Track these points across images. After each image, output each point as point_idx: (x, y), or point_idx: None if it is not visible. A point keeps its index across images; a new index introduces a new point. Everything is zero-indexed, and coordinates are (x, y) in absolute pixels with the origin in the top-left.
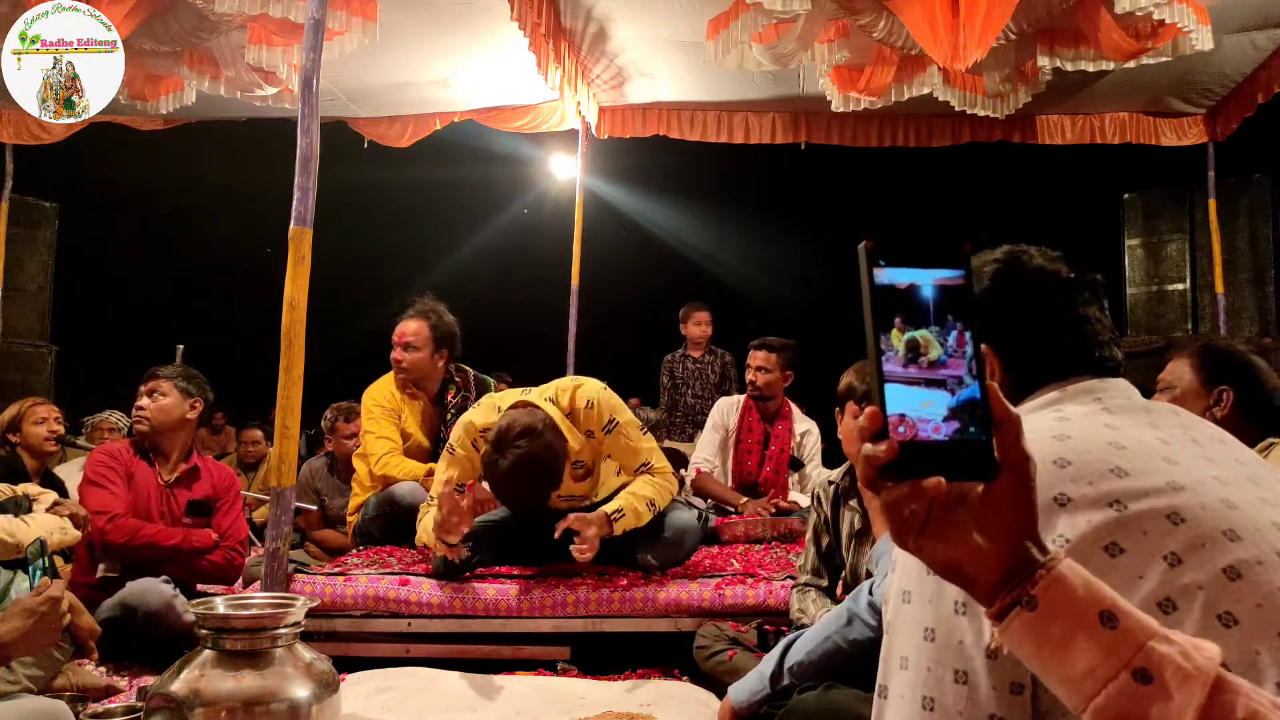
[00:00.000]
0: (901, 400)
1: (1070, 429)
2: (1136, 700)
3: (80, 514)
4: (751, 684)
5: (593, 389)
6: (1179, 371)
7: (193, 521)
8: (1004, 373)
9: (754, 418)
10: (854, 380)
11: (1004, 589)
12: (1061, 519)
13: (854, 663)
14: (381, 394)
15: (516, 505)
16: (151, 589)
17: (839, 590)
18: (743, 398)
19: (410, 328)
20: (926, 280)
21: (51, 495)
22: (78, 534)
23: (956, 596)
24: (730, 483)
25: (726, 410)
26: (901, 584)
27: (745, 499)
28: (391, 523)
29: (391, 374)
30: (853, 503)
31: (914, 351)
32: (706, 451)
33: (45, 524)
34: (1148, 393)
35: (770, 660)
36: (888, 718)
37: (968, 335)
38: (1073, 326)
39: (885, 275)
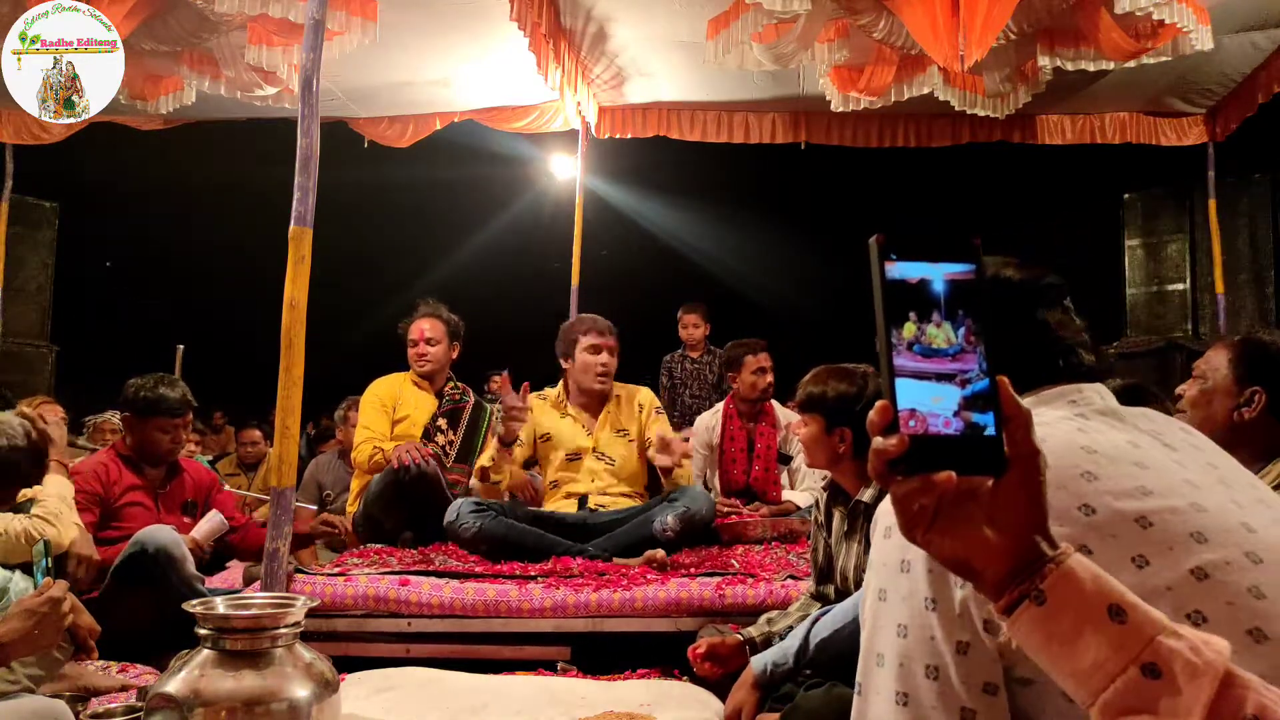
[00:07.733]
0: (912, 394)
1: (1042, 433)
2: (1145, 695)
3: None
4: (774, 655)
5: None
6: (1215, 363)
7: (189, 521)
8: None
9: (735, 425)
10: (814, 388)
11: (1012, 583)
12: None
13: None
14: (382, 388)
15: (596, 322)
16: (160, 529)
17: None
18: (719, 408)
19: (427, 324)
20: (937, 274)
21: (51, 492)
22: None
23: (927, 593)
24: (719, 491)
25: (709, 428)
26: (878, 582)
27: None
28: (399, 490)
29: (398, 374)
30: (839, 505)
31: (925, 346)
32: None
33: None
34: (1149, 393)
35: (796, 634)
36: (868, 715)
37: (978, 329)
38: (1034, 336)
39: (896, 270)
